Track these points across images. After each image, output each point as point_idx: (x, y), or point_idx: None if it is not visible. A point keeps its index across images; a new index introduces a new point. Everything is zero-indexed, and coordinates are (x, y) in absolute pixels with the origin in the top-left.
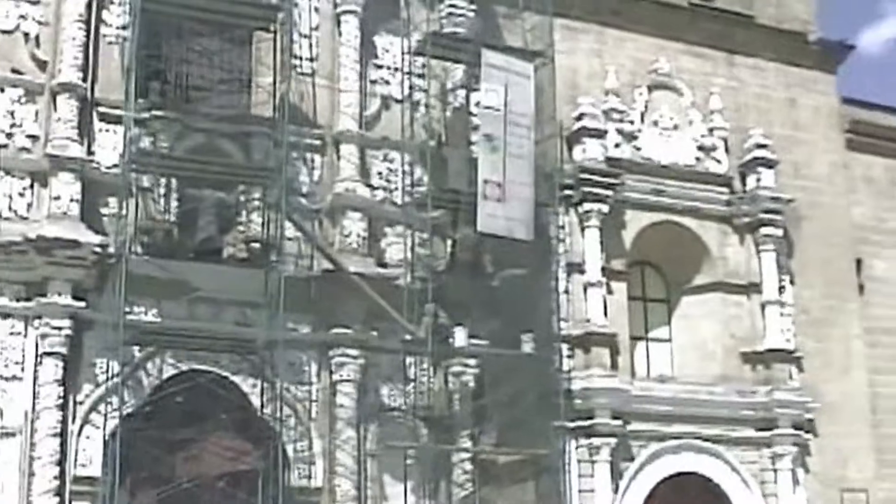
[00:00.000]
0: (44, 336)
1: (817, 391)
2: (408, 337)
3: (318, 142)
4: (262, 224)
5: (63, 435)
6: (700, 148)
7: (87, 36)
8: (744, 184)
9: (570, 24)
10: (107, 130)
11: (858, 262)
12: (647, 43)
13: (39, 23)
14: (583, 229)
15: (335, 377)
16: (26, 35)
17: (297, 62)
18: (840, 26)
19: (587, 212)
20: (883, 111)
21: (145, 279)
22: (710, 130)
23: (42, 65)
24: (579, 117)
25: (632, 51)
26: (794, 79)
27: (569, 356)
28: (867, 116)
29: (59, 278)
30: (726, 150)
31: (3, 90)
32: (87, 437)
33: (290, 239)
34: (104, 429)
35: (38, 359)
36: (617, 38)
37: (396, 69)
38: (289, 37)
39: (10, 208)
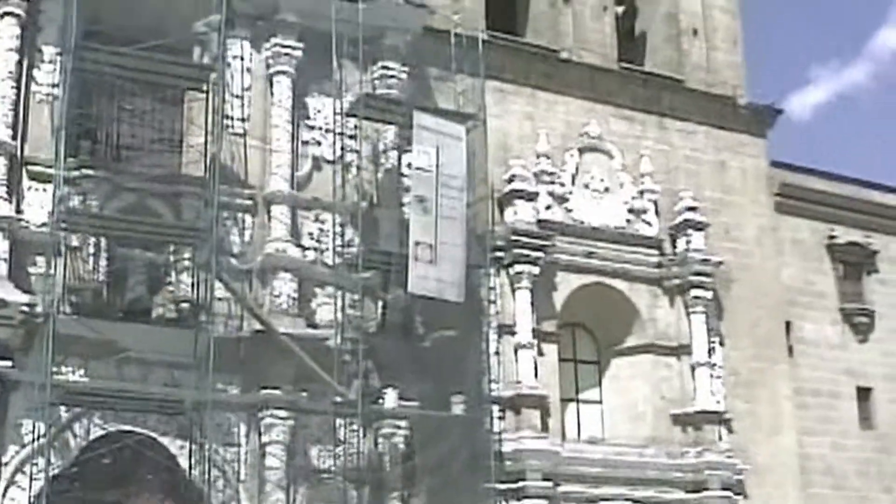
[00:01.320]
0: None
1: (747, 452)
2: (338, 399)
3: (249, 202)
4: (192, 284)
5: None
6: (631, 210)
7: (18, 94)
8: (674, 246)
9: (502, 87)
10: (36, 189)
11: (787, 323)
12: (578, 106)
13: None
14: (514, 291)
15: (264, 439)
16: None
17: (229, 122)
18: (769, 91)
19: (518, 273)
20: (811, 175)
21: (73, 339)
22: (641, 193)
23: None
24: (511, 179)
25: (563, 114)
26: (723, 142)
27: (499, 418)
28: (796, 180)
29: None
30: (657, 212)
31: None
32: (13, 500)
33: (219, 299)
34: (30, 490)
35: None
36: (548, 101)
37: (328, 130)
38: (221, 97)
39: None
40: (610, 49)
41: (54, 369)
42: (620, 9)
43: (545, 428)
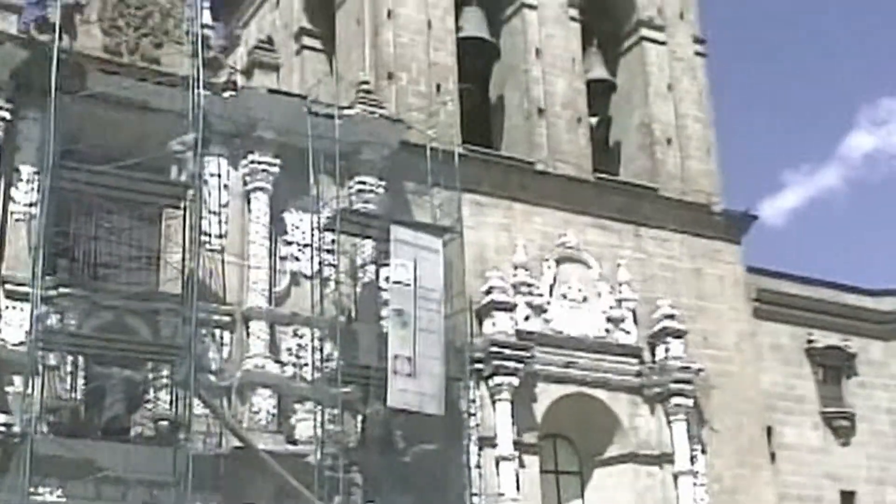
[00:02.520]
0: None
1: None
2: None
3: (227, 318)
4: (171, 402)
5: None
6: (609, 319)
7: None
8: (653, 354)
9: (478, 200)
10: (13, 308)
11: (769, 429)
12: (554, 217)
13: None
14: (494, 402)
15: None
16: None
17: (207, 239)
18: (742, 196)
19: (498, 385)
20: (788, 280)
21: (51, 459)
22: (619, 302)
23: None
24: (489, 291)
25: (539, 225)
26: (699, 249)
27: None
28: (773, 285)
29: None
30: (635, 321)
31: None
32: None
33: (198, 416)
34: None
35: None
36: (525, 213)
37: (306, 245)
38: (198, 214)
39: None
40: (585, 160)
41: (31, 490)
42: (594, 120)
43: None
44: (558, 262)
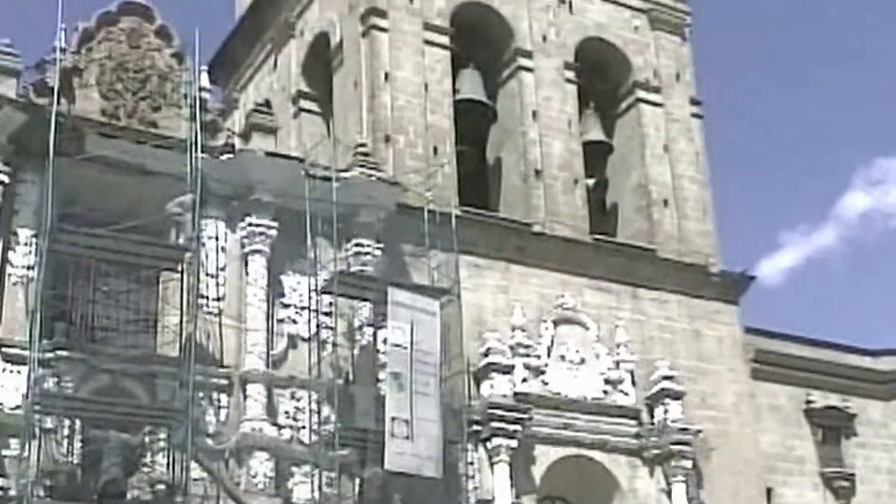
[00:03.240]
0: None
1: None
2: None
3: (224, 381)
4: (168, 465)
5: None
6: (607, 381)
7: None
8: (652, 416)
9: (475, 261)
10: (10, 371)
11: (768, 490)
12: (552, 278)
13: None
14: (492, 465)
15: None
16: None
17: (204, 302)
18: (739, 257)
19: (496, 447)
20: (786, 340)
21: None
22: (617, 364)
23: None
24: (486, 353)
25: (537, 286)
26: (697, 310)
27: None
28: (771, 345)
29: None
30: (633, 382)
31: None
32: None
33: (195, 480)
34: None
35: None
36: (522, 274)
37: (303, 308)
38: (196, 277)
39: None
40: (582, 221)
41: None
42: (591, 181)
43: None
44: (556, 323)
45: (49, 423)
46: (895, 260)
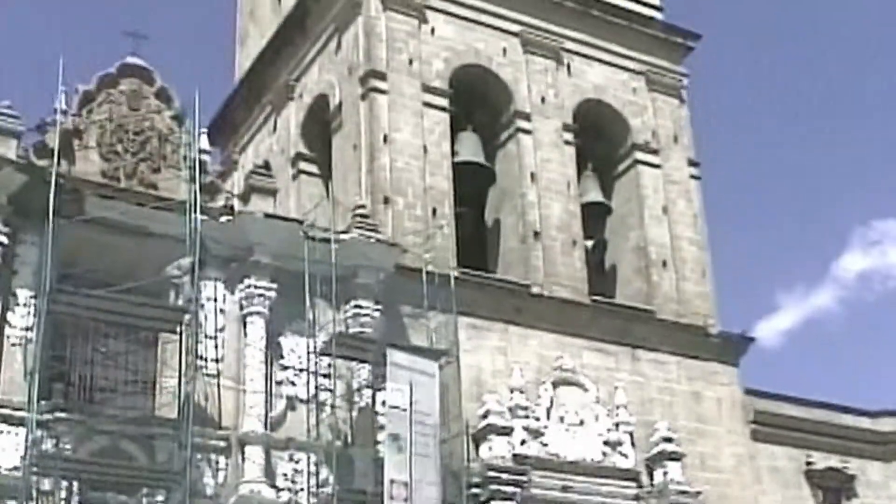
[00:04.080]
0: None
1: None
2: None
3: (222, 443)
4: None
5: None
6: (606, 443)
7: None
8: (651, 478)
9: (474, 323)
10: (8, 432)
11: None
12: (550, 339)
13: None
14: None
15: None
16: None
17: (203, 363)
18: (737, 318)
19: None
20: (785, 401)
21: None
22: (616, 425)
23: None
24: (485, 415)
25: (536, 347)
26: (696, 372)
27: None
28: (770, 407)
29: None
30: (632, 444)
31: None
32: None
33: None
34: None
35: None
36: (521, 336)
37: (302, 370)
38: (194, 338)
39: None
40: (581, 283)
41: None
42: (590, 243)
43: None
44: (555, 385)
45: (47, 484)
46: (893, 320)
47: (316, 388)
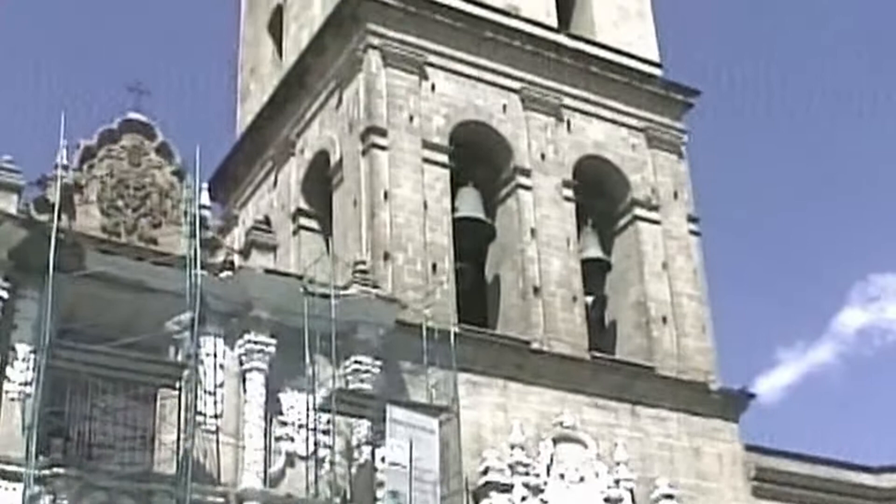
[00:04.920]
0: None
1: None
2: None
3: (221, 499)
4: None
5: None
6: (607, 500)
7: None
8: None
9: (474, 379)
10: (6, 488)
11: None
12: (550, 396)
13: None
14: None
15: None
16: None
17: (202, 419)
18: (737, 374)
19: None
20: (786, 458)
21: None
22: (617, 482)
23: None
24: (485, 471)
25: (536, 404)
26: (697, 428)
27: None
28: (772, 463)
29: None
30: (633, 501)
31: None
32: None
33: None
34: None
35: None
36: (521, 392)
37: (301, 426)
38: (193, 394)
39: None
40: (581, 338)
41: None
42: (590, 298)
43: None
44: (555, 441)
45: None
46: (893, 375)
47: (315, 444)
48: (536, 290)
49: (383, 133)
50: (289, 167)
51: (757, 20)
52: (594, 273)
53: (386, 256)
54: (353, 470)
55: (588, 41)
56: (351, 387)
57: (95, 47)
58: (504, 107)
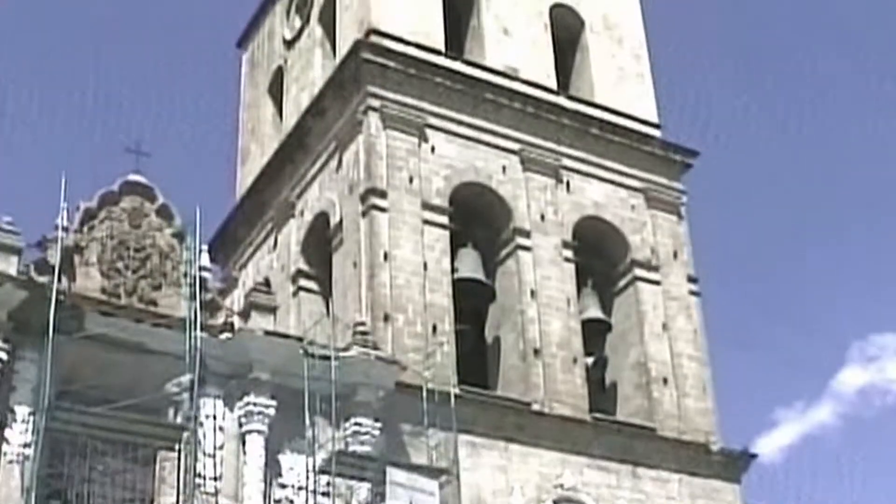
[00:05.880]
0: None
1: None
2: None
3: None
4: None
5: None
6: None
7: None
8: None
9: (474, 441)
10: None
11: None
12: (551, 457)
13: None
14: None
15: None
16: None
17: (201, 481)
18: (736, 434)
19: None
20: None
21: None
22: None
23: None
24: None
25: (536, 465)
26: (698, 489)
27: None
28: None
29: None
30: None
31: None
32: None
33: None
34: None
35: None
36: (521, 454)
37: (301, 488)
38: (193, 456)
39: None
40: (581, 400)
41: None
42: (590, 360)
43: None
44: (556, 503)
45: None
46: (893, 435)
47: None
48: (537, 352)
49: (383, 194)
50: (289, 228)
51: (756, 80)
52: (594, 334)
53: (386, 318)
54: None
55: (587, 102)
56: (351, 449)
57: (96, 109)
58: (504, 168)
